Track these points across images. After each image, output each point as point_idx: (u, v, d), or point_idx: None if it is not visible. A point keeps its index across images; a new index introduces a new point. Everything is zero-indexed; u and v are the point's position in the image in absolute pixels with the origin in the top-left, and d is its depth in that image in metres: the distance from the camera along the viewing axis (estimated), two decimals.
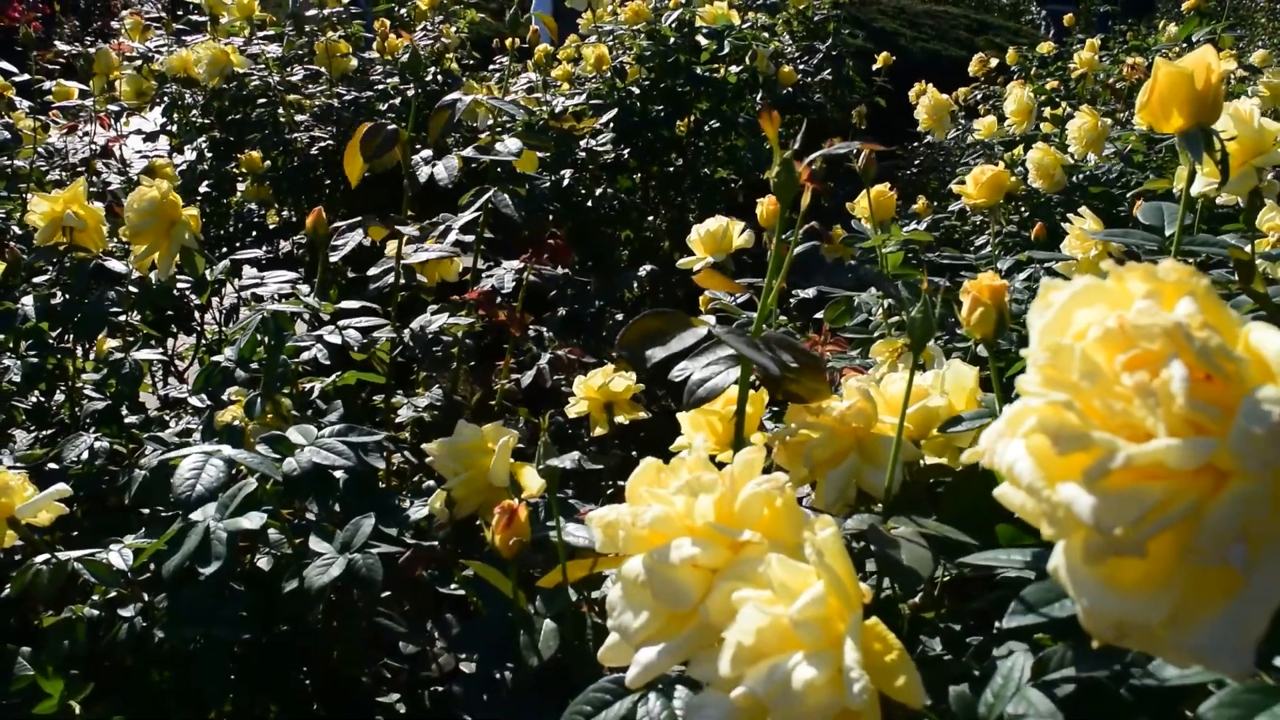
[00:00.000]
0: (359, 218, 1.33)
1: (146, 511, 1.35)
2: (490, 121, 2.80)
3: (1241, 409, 0.39)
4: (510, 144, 1.57)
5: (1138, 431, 0.41)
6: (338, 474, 1.23)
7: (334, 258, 1.31)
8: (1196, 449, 0.39)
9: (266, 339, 1.31)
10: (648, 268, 2.36)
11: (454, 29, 3.61)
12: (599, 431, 1.54)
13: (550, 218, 2.62)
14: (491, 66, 4.36)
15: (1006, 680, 0.57)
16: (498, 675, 0.94)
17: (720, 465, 0.63)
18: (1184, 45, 2.77)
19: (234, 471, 1.10)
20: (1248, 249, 1.41)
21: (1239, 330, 0.43)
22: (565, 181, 2.68)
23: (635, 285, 2.47)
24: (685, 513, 0.60)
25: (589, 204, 2.80)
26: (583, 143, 2.73)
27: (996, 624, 0.71)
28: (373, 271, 1.45)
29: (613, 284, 2.53)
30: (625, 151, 2.86)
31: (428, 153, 1.41)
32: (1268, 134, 1.07)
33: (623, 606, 0.61)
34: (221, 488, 1.04)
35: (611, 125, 2.79)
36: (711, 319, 0.80)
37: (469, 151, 1.40)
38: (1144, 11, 8.92)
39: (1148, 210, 0.95)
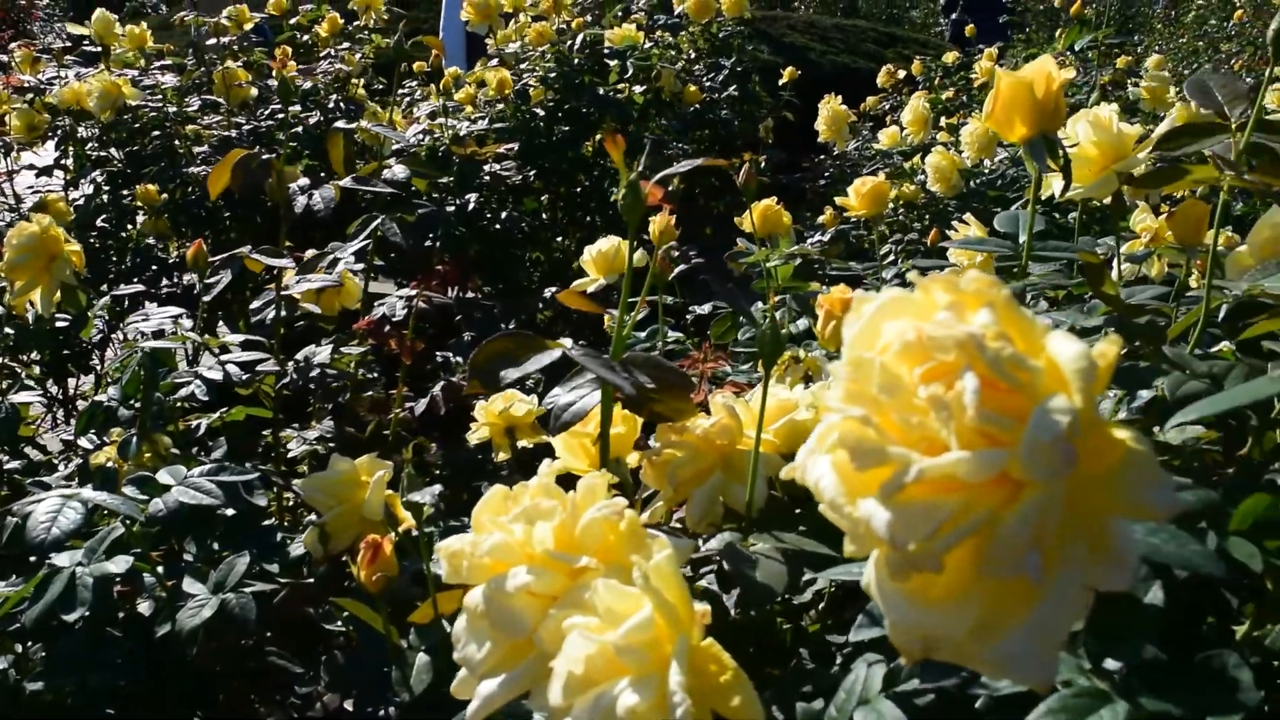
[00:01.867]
0: (230, 252, 1.30)
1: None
2: (398, 146, 2.78)
3: (1031, 419, 0.38)
4: (398, 171, 1.55)
5: (934, 445, 0.40)
6: (229, 511, 1.20)
7: (208, 295, 1.27)
8: (987, 460, 0.38)
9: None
10: (552, 290, 2.35)
11: (359, 55, 3.58)
12: (503, 457, 1.52)
13: (457, 242, 2.60)
14: (400, 91, 4.33)
15: (849, 694, 0.57)
16: (380, 712, 0.92)
17: None
18: (1069, 52, 2.83)
19: (100, 514, 1.06)
20: (1124, 250, 1.44)
21: (1042, 340, 0.43)
22: (471, 206, 2.66)
23: (544, 306, 2.46)
24: (525, 540, 0.59)
25: (497, 227, 2.78)
26: (490, 166, 2.72)
27: None
28: (255, 305, 1.42)
29: (522, 306, 2.51)
30: (531, 174, 2.84)
31: (305, 180, 1.39)
32: (1127, 138, 1.09)
33: (466, 638, 0.60)
34: (80, 531, 1.00)
35: (517, 148, 2.77)
36: (568, 341, 0.79)
37: (347, 182, 1.38)
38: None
39: (1004, 218, 0.97)
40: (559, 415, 0.83)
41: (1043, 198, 1.23)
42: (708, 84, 3.74)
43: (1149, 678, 0.53)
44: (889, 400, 0.41)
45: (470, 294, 2.65)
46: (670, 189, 0.86)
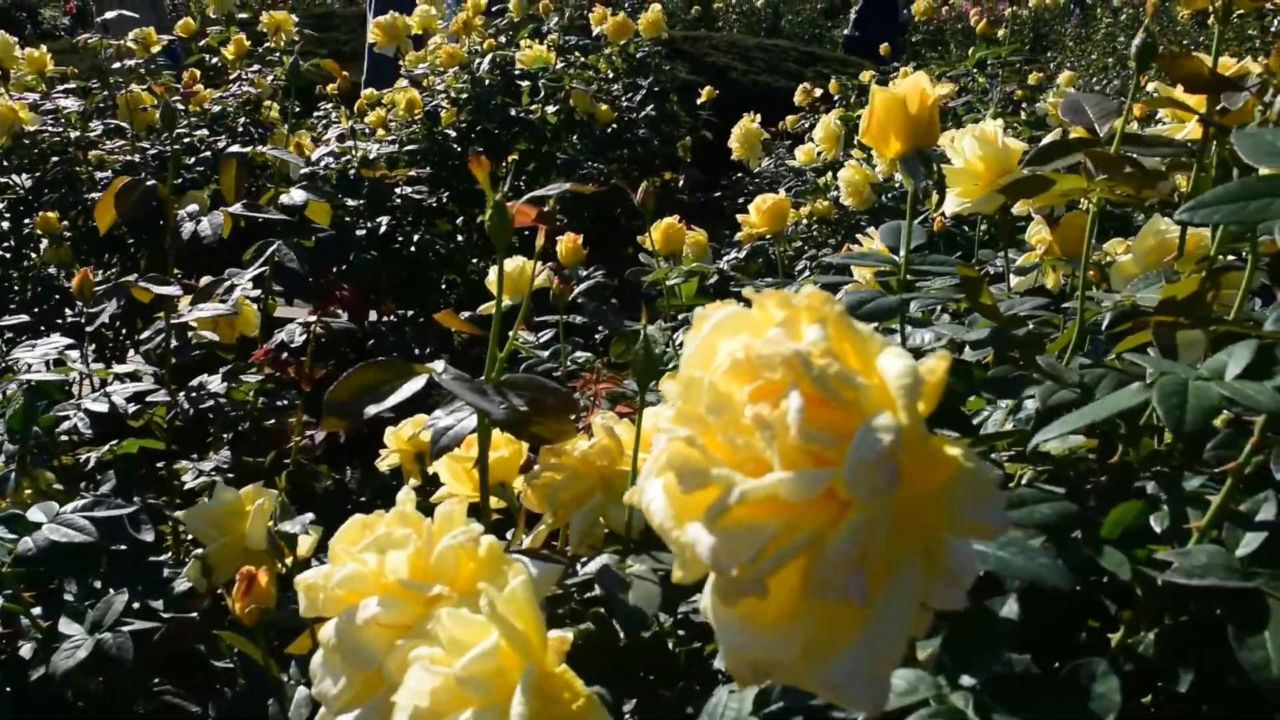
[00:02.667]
0: (116, 280, 1.26)
1: None
2: (307, 170, 2.73)
3: (855, 437, 0.38)
4: (295, 196, 1.53)
5: (760, 466, 0.39)
6: (122, 546, 1.16)
7: (92, 325, 1.23)
8: (809, 480, 0.38)
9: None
10: (467, 314, 2.33)
11: (270, 78, 3.53)
12: (413, 483, 1.49)
13: (368, 266, 2.57)
14: (316, 114, 4.28)
15: (711, 717, 0.56)
16: None
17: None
18: (975, 70, 2.88)
19: None
20: (1020, 261, 1.46)
21: (875, 356, 0.42)
22: (384, 229, 2.63)
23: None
24: (378, 570, 0.57)
25: (412, 250, 2.75)
26: (402, 189, 2.69)
27: None
28: (144, 334, 1.38)
29: (435, 329, 2.49)
30: (445, 196, 2.82)
31: (194, 207, 1.35)
32: (1012, 153, 1.11)
33: (323, 673, 0.58)
34: None
35: (429, 170, 2.75)
36: (439, 365, 0.77)
37: (236, 208, 1.35)
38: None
39: (886, 231, 0.97)
40: (436, 440, 0.81)
41: (937, 212, 1.25)
42: (625, 104, 3.75)
43: (1006, 691, 0.53)
44: (717, 420, 0.41)
45: (383, 317, 2.62)
46: (548, 209, 0.85)
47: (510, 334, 0.86)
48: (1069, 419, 0.63)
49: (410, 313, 2.73)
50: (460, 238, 3.05)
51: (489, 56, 2.85)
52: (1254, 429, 0.62)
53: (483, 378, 0.79)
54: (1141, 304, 0.88)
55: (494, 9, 3.94)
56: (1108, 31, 8.86)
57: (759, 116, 4.60)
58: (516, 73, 2.95)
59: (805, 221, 2.84)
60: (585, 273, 1.84)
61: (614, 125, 3.65)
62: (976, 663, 0.51)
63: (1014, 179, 0.87)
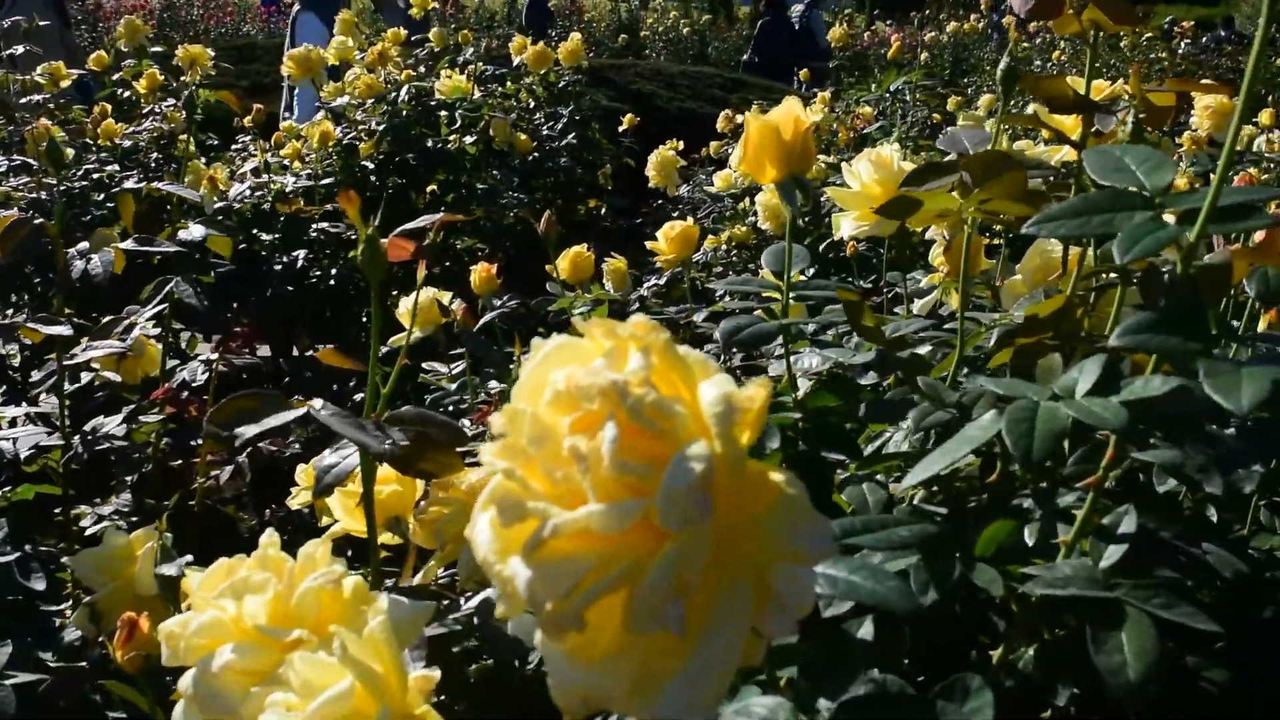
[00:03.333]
0: (7, 321, 1.23)
1: None
2: (220, 205, 2.70)
3: (669, 467, 0.38)
4: (195, 231, 1.51)
5: (579, 498, 0.39)
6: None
7: None
8: (622, 512, 0.38)
9: None
10: (385, 348, 2.31)
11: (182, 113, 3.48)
12: (325, 521, 1.48)
13: (282, 301, 2.54)
14: (235, 147, 4.23)
15: None
16: None
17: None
18: (889, 94, 2.94)
19: None
20: (923, 284, 1.49)
21: (700, 384, 0.43)
22: (300, 263, 2.60)
23: (384, 361, 2.41)
24: (237, 616, 0.56)
25: (331, 284, 2.72)
26: (319, 222, 2.67)
27: None
28: (35, 376, 1.35)
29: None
30: None
31: (84, 245, 1.33)
32: None
33: None
34: None
35: None
36: (319, 402, 0.77)
37: (128, 244, 1.32)
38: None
39: (770, 255, 0.98)
40: (321, 478, 0.80)
41: (835, 236, 1.27)
42: (547, 132, 3.77)
43: (868, 713, 0.54)
44: (538, 452, 0.41)
45: (298, 353, 2.59)
46: (428, 242, 0.85)
47: (394, 368, 0.85)
48: (928, 461, 0.63)
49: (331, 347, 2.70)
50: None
51: (405, 88, 2.84)
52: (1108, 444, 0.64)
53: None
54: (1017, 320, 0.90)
55: (414, 39, 3.94)
56: (1025, 54, 9.05)
57: (681, 143, 4.63)
58: (434, 103, 2.94)
59: (725, 247, 2.86)
60: (499, 302, 1.84)
61: (535, 154, 3.66)
62: (832, 686, 0.52)
63: (888, 201, 0.89)
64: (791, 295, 0.93)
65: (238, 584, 0.56)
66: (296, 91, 4.27)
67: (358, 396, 2.25)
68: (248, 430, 0.73)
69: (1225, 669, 0.91)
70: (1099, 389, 0.61)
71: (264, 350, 2.82)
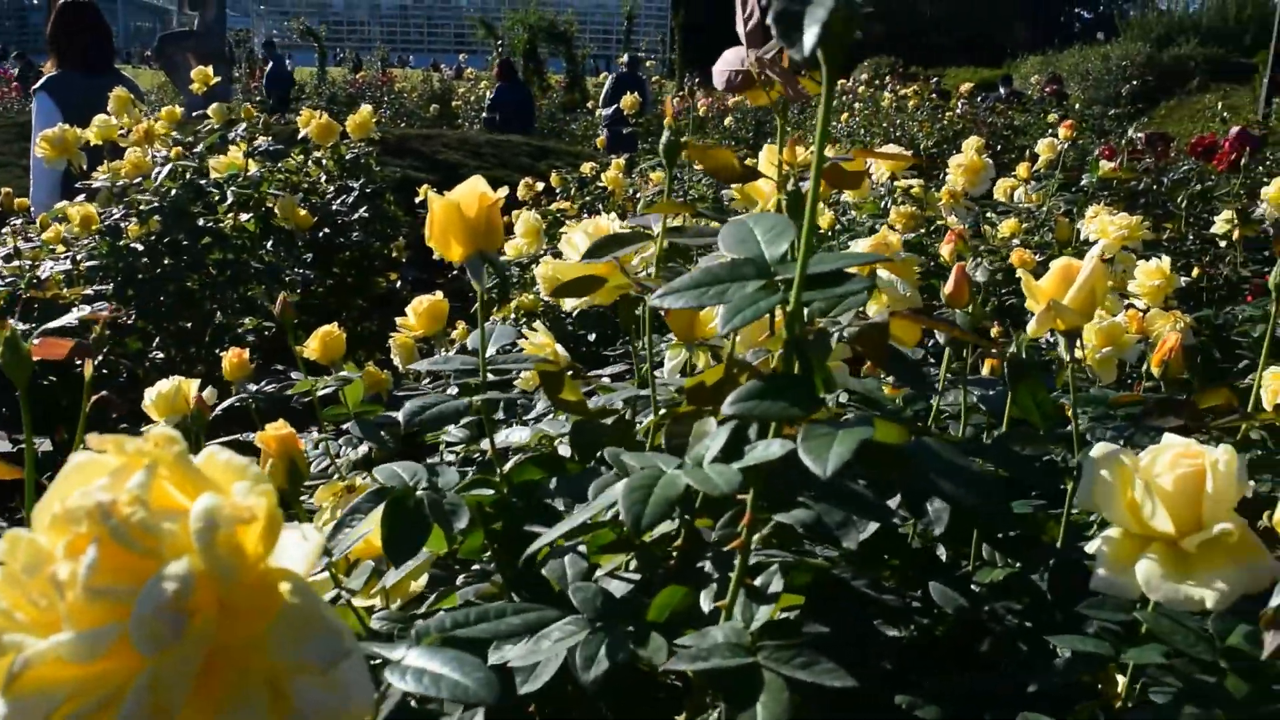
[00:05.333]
0: None
1: None
2: None
3: (143, 589, 0.36)
4: None
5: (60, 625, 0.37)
6: None
7: None
8: (94, 638, 0.36)
9: None
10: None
11: None
12: None
13: (42, 392, 2.40)
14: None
15: None
16: None
17: None
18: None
19: None
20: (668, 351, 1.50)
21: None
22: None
23: None
24: None
25: (104, 370, 2.59)
26: (79, 309, 2.53)
27: None
28: None
29: None
30: (133, 314, 2.68)
31: None
32: None
33: None
34: None
35: (112, 287, 2.61)
36: None
37: None
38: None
39: (497, 331, 0.98)
40: None
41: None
42: (337, 207, 3.70)
43: None
44: (30, 580, 0.38)
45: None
46: (94, 337, 0.81)
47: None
48: (559, 527, 0.63)
49: None
50: (160, 355, 2.90)
51: (169, 166, 2.75)
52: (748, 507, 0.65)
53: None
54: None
55: (195, 114, 3.82)
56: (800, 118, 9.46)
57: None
58: (204, 181, 2.85)
59: (514, 315, 2.85)
60: (255, 387, 1.78)
61: (327, 229, 3.59)
62: None
63: (572, 279, 0.90)
64: (490, 370, 0.92)
65: None
66: (33, 173, 4.02)
67: None
68: None
69: (938, 705, 0.94)
70: (725, 455, 0.62)
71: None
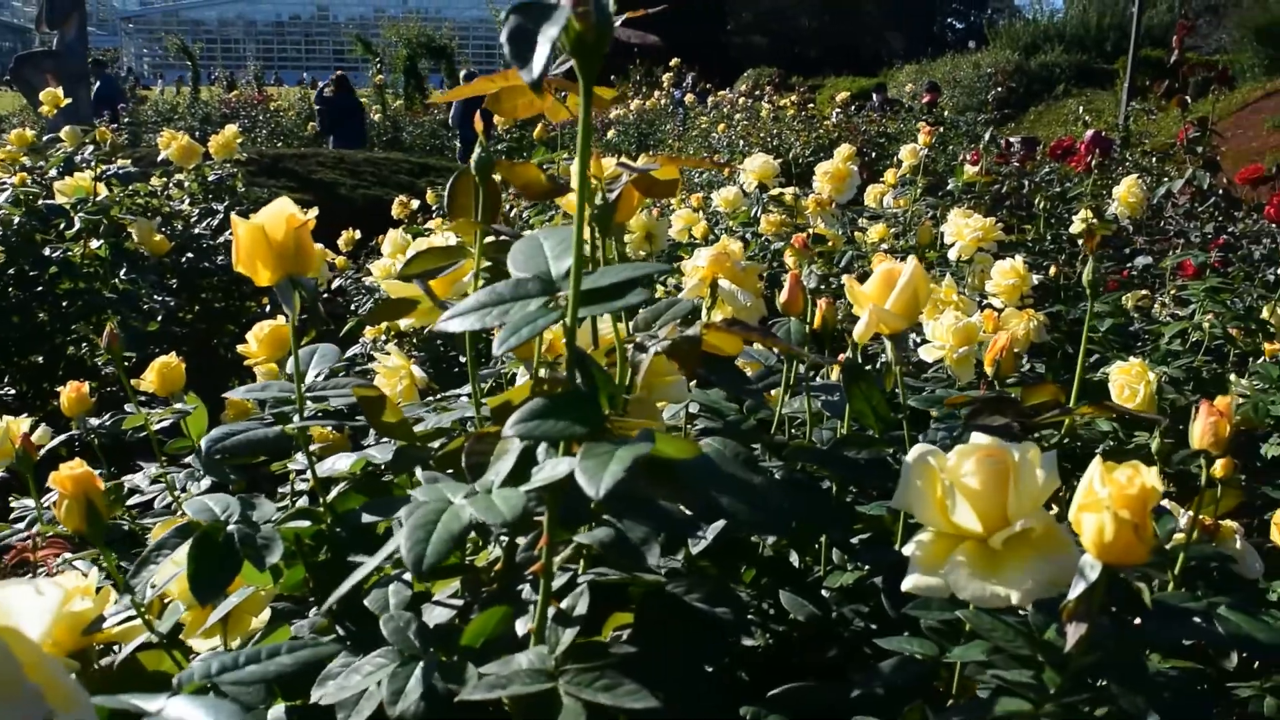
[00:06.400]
0: None
1: None
2: None
3: None
4: None
5: None
6: None
7: None
8: None
9: None
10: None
11: None
12: None
13: None
14: None
15: None
16: None
17: None
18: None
19: None
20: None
21: None
22: None
23: None
24: None
25: None
26: None
27: None
28: None
29: None
30: None
31: None
32: (464, 269, 1.12)
33: None
34: None
35: None
36: None
37: None
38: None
39: (305, 354, 0.95)
40: None
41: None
42: (200, 230, 3.59)
43: None
44: None
45: None
46: None
47: None
48: (372, 559, 0.61)
49: None
50: (11, 391, 2.77)
51: (9, 192, 2.63)
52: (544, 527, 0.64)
53: None
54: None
55: (46, 138, 3.68)
56: (702, 130, 9.56)
57: (358, 232, 4.55)
58: (43, 208, 2.74)
59: (384, 338, 2.80)
60: (97, 421, 1.71)
61: (190, 254, 3.48)
62: None
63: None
64: (309, 398, 0.89)
65: None
66: None
67: None
68: None
69: (780, 715, 0.94)
70: (514, 478, 0.60)
71: None
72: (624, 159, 0.98)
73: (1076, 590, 0.68)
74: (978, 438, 0.79)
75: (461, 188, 0.89)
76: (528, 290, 0.60)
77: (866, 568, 1.22)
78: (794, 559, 1.33)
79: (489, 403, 0.78)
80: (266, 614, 0.99)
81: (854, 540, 1.27)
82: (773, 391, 1.40)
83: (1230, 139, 12.02)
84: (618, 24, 1.00)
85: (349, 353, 2.70)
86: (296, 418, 0.88)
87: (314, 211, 0.89)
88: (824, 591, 1.24)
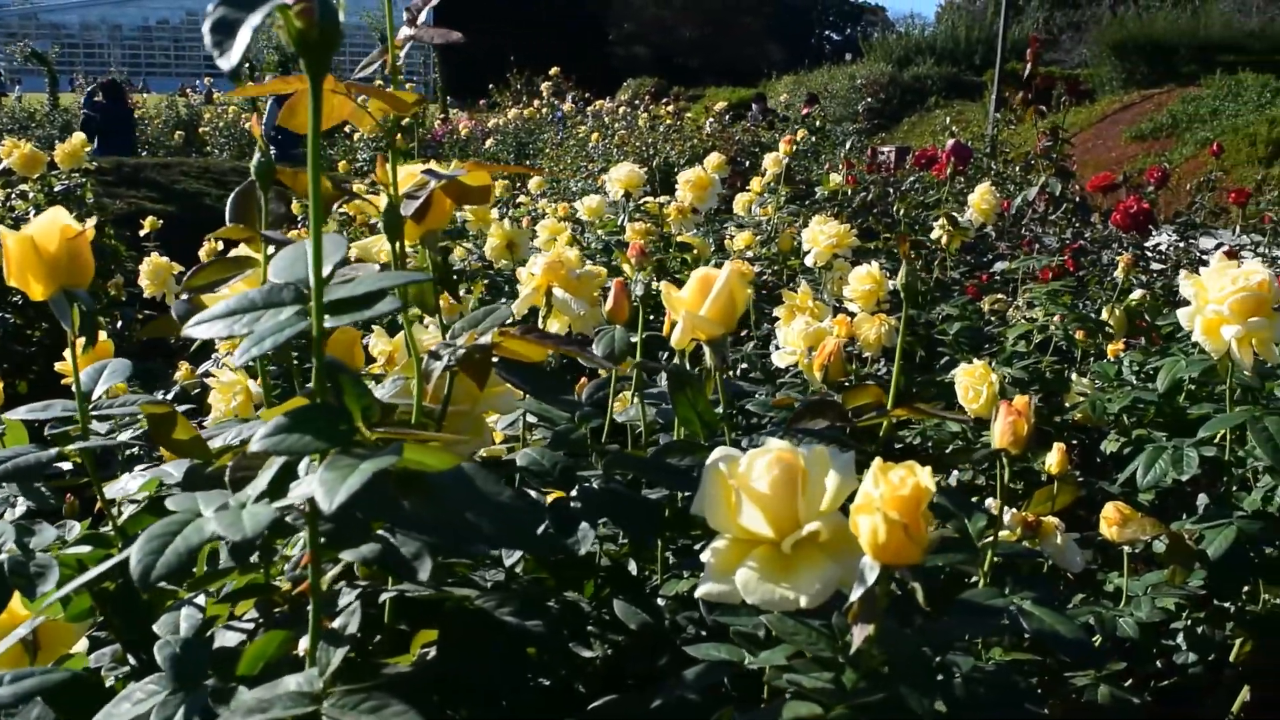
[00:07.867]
0: None
1: None
2: None
3: None
4: None
5: None
6: None
7: None
8: None
9: None
10: None
11: None
12: None
13: None
14: None
15: None
16: None
17: None
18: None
19: None
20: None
21: None
22: None
23: None
24: None
25: None
26: None
27: None
28: None
29: None
30: None
31: None
32: None
33: None
34: None
35: None
36: None
37: None
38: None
39: (90, 372, 0.90)
40: None
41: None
42: None
43: None
44: None
45: None
46: None
47: None
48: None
49: None
50: None
51: None
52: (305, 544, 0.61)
53: None
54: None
55: None
56: (579, 140, 9.54)
57: (220, 244, 4.40)
58: None
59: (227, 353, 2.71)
60: None
61: None
62: None
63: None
64: (92, 412, 0.85)
65: None
66: None
67: None
68: None
69: None
70: (272, 493, 0.58)
71: None
72: (431, 165, 0.96)
73: (857, 592, 0.69)
74: (772, 441, 0.79)
75: (246, 196, 0.85)
76: (281, 298, 0.58)
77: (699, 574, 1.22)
78: (633, 568, 1.32)
79: (262, 415, 0.75)
80: (84, 644, 0.95)
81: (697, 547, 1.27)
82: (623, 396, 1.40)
83: (1091, 149, 12.55)
84: (422, 20, 0.98)
85: (200, 369, 2.61)
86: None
87: (91, 222, 0.85)
88: (660, 600, 1.24)
